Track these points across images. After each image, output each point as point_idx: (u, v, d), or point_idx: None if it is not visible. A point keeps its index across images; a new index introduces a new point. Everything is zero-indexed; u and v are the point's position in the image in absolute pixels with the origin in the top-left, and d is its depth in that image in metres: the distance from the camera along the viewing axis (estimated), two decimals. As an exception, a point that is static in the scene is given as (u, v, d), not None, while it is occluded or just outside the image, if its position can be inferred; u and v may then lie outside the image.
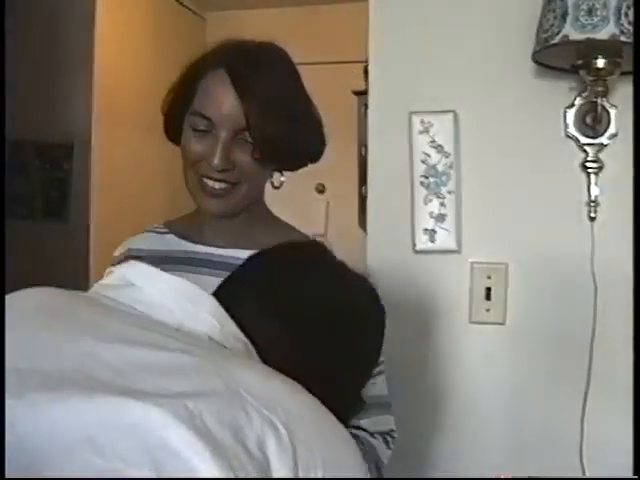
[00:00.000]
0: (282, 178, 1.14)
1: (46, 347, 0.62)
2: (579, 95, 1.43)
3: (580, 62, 1.33)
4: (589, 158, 1.42)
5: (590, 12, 1.24)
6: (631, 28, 1.23)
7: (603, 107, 1.41)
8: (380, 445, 1.07)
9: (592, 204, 1.42)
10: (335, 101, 4.10)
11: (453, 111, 1.47)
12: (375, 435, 1.07)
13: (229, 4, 4.21)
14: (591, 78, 1.33)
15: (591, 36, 1.24)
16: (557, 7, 1.28)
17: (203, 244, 1.14)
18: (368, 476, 0.68)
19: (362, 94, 3.05)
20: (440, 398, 1.50)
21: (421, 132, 1.47)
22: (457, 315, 1.50)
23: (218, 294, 0.78)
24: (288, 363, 0.73)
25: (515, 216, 1.47)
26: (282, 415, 0.60)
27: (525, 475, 1.41)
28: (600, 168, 1.42)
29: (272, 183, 1.14)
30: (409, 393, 1.51)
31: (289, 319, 0.77)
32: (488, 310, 1.48)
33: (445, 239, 1.48)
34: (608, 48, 1.29)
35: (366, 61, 1.58)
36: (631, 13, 1.23)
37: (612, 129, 1.42)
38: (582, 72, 1.34)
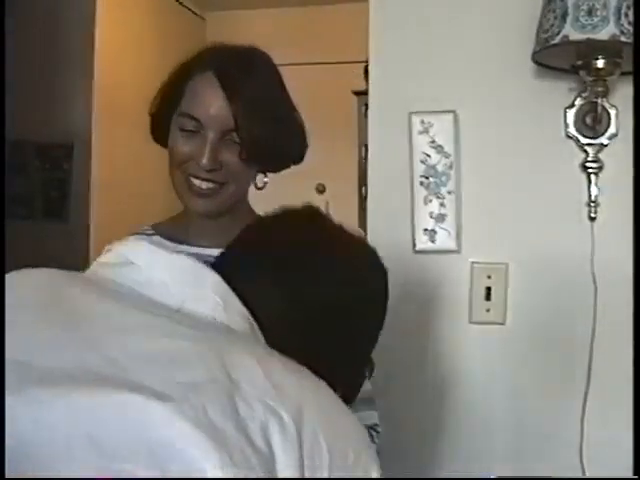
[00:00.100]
0: (265, 179, 1.16)
1: (45, 341, 0.60)
2: (579, 95, 1.43)
3: (580, 62, 1.33)
4: (589, 158, 1.42)
5: (590, 12, 1.24)
6: (631, 28, 1.23)
7: (603, 107, 1.41)
8: None
9: (592, 204, 1.42)
10: (335, 101, 4.11)
11: (453, 111, 1.47)
12: None
13: (229, 4, 4.21)
14: (591, 78, 1.34)
15: (591, 36, 1.24)
16: (557, 7, 1.28)
17: (188, 244, 1.15)
18: (377, 460, 0.66)
19: (362, 94, 3.06)
20: (440, 398, 1.50)
21: (421, 132, 1.47)
22: (457, 315, 1.50)
23: (217, 266, 0.76)
24: (290, 335, 0.72)
25: (515, 216, 1.47)
26: (287, 402, 0.59)
27: (525, 475, 1.41)
28: (600, 168, 1.42)
29: (255, 184, 1.16)
30: (409, 393, 1.51)
31: (290, 287, 0.75)
32: (488, 310, 1.48)
33: (445, 239, 1.48)
34: (608, 48, 1.29)
35: (366, 61, 1.58)
36: (631, 13, 1.23)
37: (612, 129, 1.42)
38: (582, 72, 1.34)
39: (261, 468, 0.54)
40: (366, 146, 1.58)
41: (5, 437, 0.51)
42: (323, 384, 0.66)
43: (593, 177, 1.42)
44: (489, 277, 1.48)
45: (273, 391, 0.59)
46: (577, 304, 1.44)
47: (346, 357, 0.80)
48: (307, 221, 0.84)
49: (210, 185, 1.08)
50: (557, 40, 1.27)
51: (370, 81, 1.55)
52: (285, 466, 0.56)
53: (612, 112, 1.42)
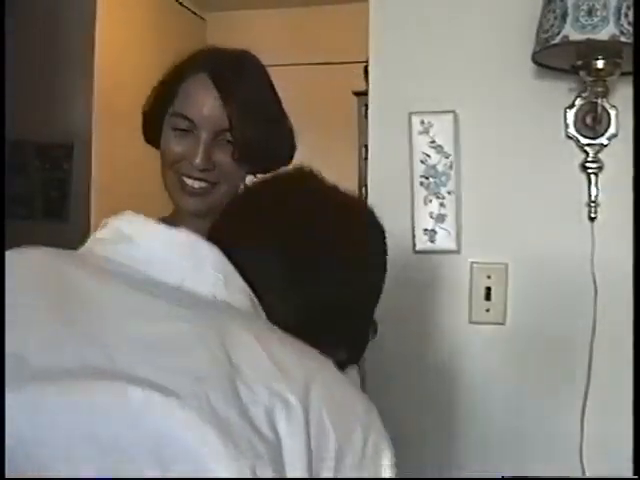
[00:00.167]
0: (255, 180, 1.17)
1: (44, 334, 0.59)
2: (579, 96, 1.43)
3: (580, 63, 1.33)
4: (589, 158, 1.42)
5: (590, 12, 1.24)
6: (631, 29, 1.23)
7: (603, 108, 1.41)
8: None
9: (592, 204, 1.42)
10: (335, 101, 4.12)
11: (453, 111, 1.47)
12: None
13: (229, 5, 4.21)
14: (591, 79, 1.34)
15: (591, 37, 1.24)
16: (557, 7, 1.28)
17: None
18: (386, 437, 0.65)
19: (362, 94, 3.06)
20: (440, 398, 1.50)
21: (421, 132, 1.47)
22: (457, 315, 1.50)
23: (212, 237, 0.74)
24: (288, 300, 0.71)
25: (515, 216, 1.47)
26: (292, 384, 0.58)
27: (525, 475, 1.41)
28: (600, 168, 1.42)
29: (245, 185, 1.17)
30: (408, 393, 1.51)
31: (287, 250, 0.74)
32: (488, 310, 1.48)
33: (445, 239, 1.48)
34: (608, 49, 1.29)
35: (366, 61, 1.58)
36: (631, 13, 1.23)
37: (612, 129, 1.42)
38: (582, 73, 1.34)
39: (268, 456, 0.53)
40: (366, 146, 1.58)
41: (5, 437, 0.51)
42: (327, 362, 0.65)
43: (593, 177, 1.42)
44: (489, 277, 1.48)
45: (278, 373, 0.58)
46: (577, 304, 1.44)
47: (350, 317, 0.78)
48: (299, 184, 0.82)
49: (203, 184, 1.10)
50: (557, 40, 1.27)
51: (370, 81, 1.55)
52: (292, 451, 0.55)
53: (612, 112, 1.42)
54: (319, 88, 3.99)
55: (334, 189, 0.82)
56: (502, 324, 1.48)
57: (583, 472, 1.42)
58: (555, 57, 1.35)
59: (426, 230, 1.48)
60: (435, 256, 1.50)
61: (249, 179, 1.16)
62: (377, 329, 0.87)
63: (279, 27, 4.20)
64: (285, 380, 0.58)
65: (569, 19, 1.25)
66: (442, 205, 1.47)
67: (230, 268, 0.70)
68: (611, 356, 1.41)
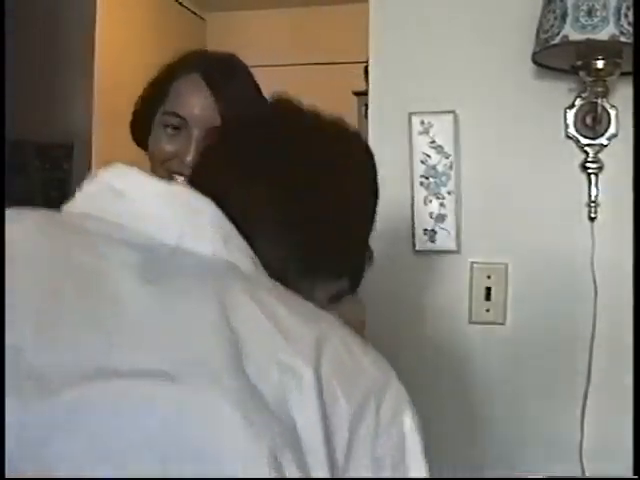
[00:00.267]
0: None
1: (43, 330, 0.56)
2: (579, 96, 1.43)
3: (580, 63, 1.33)
4: (589, 159, 1.42)
5: (590, 13, 1.24)
6: (631, 29, 1.23)
7: (603, 108, 1.41)
8: None
9: (592, 204, 1.42)
10: (335, 101, 4.11)
11: (453, 111, 1.47)
12: None
13: (229, 5, 4.21)
14: (591, 79, 1.34)
15: (591, 37, 1.24)
16: (557, 8, 1.28)
17: None
18: (406, 400, 0.64)
19: (362, 94, 3.06)
20: (439, 398, 1.50)
21: (421, 133, 1.47)
22: (457, 315, 1.50)
23: (194, 179, 0.71)
24: (290, 234, 0.69)
25: (515, 216, 1.47)
26: (301, 352, 0.55)
27: (525, 475, 1.41)
28: (600, 169, 1.42)
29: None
30: (409, 393, 1.51)
31: (274, 179, 0.71)
32: (488, 310, 1.48)
33: (445, 239, 1.48)
34: (608, 49, 1.29)
35: (366, 61, 1.58)
36: (631, 14, 1.23)
37: (612, 130, 1.42)
38: (582, 73, 1.34)
39: (281, 432, 0.52)
40: (366, 146, 1.58)
41: (5, 437, 0.51)
42: (336, 322, 0.63)
43: (593, 177, 1.42)
44: (489, 277, 1.48)
45: (284, 342, 0.56)
46: (577, 304, 1.44)
47: (349, 240, 0.77)
48: (276, 117, 0.78)
49: None
50: (557, 40, 1.27)
51: (370, 81, 1.55)
52: (305, 427, 0.53)
53: (612, 112, 1.42)
54: (319, 88, 3.98)
55: (316, 114, 0.78)
56: (502, 324, 1.48)
57: (583, 472, 1.42)
58: (555, 57, 1.35)
59: (426, 230, 1.48)
60: (435, 256, 1.50)
61: None
62: (372, 256, 0.85)
63: (279, 27, 4.19)
64: (294, 349, 0.55)
65: (569, 19, 1.25)
66: (442, 205, 1.47)
67: (228, 225, 0.66)
68: (611, 356, 1.41)
